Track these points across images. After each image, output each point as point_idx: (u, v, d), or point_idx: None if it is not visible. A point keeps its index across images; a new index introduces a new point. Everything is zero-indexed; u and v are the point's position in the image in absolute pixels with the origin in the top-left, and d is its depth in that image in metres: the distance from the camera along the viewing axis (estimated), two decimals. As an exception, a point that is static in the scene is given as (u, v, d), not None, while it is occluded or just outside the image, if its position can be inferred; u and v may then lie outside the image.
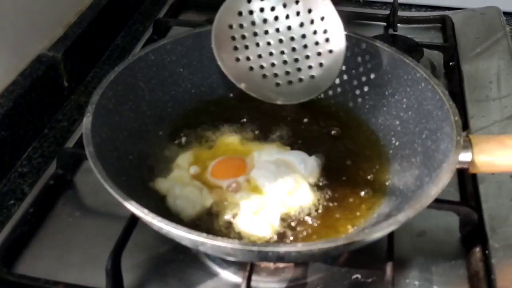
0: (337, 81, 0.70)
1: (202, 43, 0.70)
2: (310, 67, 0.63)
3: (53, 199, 0.68)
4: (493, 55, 0.89)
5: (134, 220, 0.59)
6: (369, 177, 0.63)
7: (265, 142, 0.67)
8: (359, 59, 0.68)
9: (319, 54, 0.63)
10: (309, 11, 0.63)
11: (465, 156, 0.55)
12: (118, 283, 0.57)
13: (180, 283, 0.58)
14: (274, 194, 0.59)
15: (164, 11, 1.03)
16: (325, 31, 0.63)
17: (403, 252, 0.61)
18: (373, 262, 0.60)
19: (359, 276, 0.59)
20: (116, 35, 1.01)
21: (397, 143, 0.64)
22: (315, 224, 0.58)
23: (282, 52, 0.64)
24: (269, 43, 0.64)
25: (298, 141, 0.67)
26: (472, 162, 0.55)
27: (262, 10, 0.64)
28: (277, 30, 0.64)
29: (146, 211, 0.48)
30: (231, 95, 0.73)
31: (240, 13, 0.63)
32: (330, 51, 0.62)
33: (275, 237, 0.57)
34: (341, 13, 0.63)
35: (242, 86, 0.63)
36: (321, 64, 0.63)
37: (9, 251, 0.60)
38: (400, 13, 1.00)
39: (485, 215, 0.64)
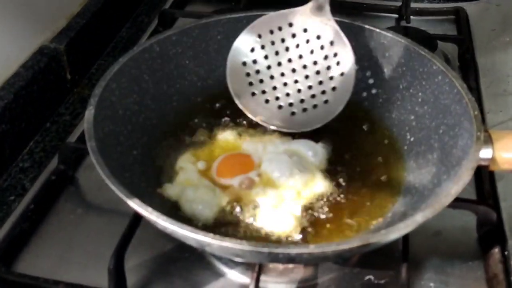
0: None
1: (208, 34, 0.69)
2: (323, 92, 0.63)
3: (55, 195, 0.66)
4: (510, 48, 0.86)
5: (137, 217, 0.57)
6: (383, 175, 0.61)
7: (265, 134, 0.65)
8: (372, 51, 0.66)
9: (331, 78, 0.63)
10: (318, 37, 0.63)
11: (485, 153, 0.52)
12: (121, 283, 0.55)
13: (185, 283, 0.57)
14: (290, 186, 0.57)
15: (170, 2, 1.01)
16: (335, 55, 0.63)
17: (418, 252, 0.59)
18: (386, 262, 0.58)
19: (371, 277, 0.57)
20: (121, 27, 0.99)
21: (412, 139, 0.62)
22: (332, 215, 0.57)
23: (296, 81, 0.64)
24: (282, 74, 0.65)
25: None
26: (493, 159, 0.53)
27: (273, 43, 0.65)
28: (289, 60, 0.65)
29: (150, 209, 0.45)
30: None
31: (252, 49, 0.65)
32: (342, 74, 0.62)
33: (299, 232, 0.55)
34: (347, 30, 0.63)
35: (258, 119, 0.65)
36: (334, 88, 0.63)
37: (8, 249, 0.59)
38: (413, 4, 0.97)
39: (503, 214, 0.61)
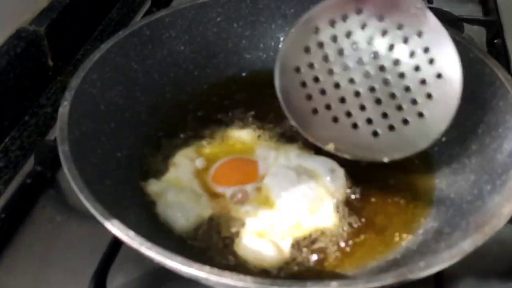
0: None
1: (206, 15, 0.63)
2: (414, 101, 0.49)
3: (31, 201, 0.59)
4: (545, 31, 0.79)
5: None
6: (409, 182, 0.54)
7: (283, 141, 0.57)
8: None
9: (423, 82, 0.49)
10: (400, 26, 0.49)
11: (540, 160, 0.45)
12: (104, 309, 0.48)
13: None
14: (288, 211, 0.50)
15: (165, -20, 0.95)
16: (426, 50, 0.49)
17: (450, 271, 0.50)
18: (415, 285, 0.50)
19: None
20: (111, 7, 0.91)
21: (443, 139, 0.54)
22: (339, 253, 0.48)
23: (372, 89, 0.51)
24: (352, 81, 0.51)
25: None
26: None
27: (335, 38, 0.51)
28: (360, 60, 0.51)
29: (131, 233, 0.38)
30: (243, 74, 0.65)
31: (307, 49, 0.51)
32: (439, 76, 0.49)
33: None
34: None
35: (330, 147, 0.51)
36: (429, 96, 0.49)
37: (-25, 266, 0.53)
38: (435, -17, 0.89)
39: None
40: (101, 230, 0.53)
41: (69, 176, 0.42)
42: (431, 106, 0.50)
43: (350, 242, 0.49)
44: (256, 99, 0.62)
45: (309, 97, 0.52)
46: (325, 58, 0.51)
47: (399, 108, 0.51)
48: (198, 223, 0.50)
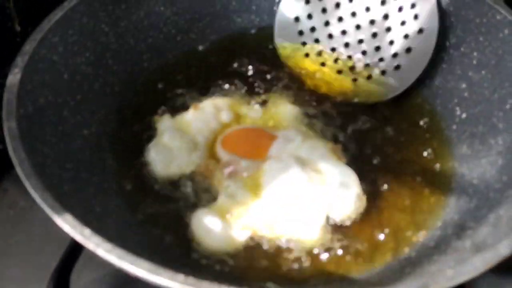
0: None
1: None
2: (395, 55, 0.54)
3: None
4: None
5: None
6: (425, 167, 0.49)
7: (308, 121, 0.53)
8: None
9: (406, 36, 0.53)
10: None
11: None
12: (64, 311, 0.43)
13: None
14: (270, 207, 0.45)
15: None
16: (412, 6, 0.53)
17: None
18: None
19: None
20: None
21: (464, 116, 0.51)
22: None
23: (361, 41, 0.55)
24: (344, 32, 0.56)
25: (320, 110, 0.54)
26: None
27: None
28: (353, 14, 0.56)
29: (87, 232, 0.32)
30: (233, 40, 0.60)
31: (307, 1, 0.57)
32: (420, 31, 0.52)
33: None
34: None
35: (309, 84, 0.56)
36: (408, 50, 0.53)
37: None
38: None
39: None
40: None
41: (13, 158, 0.36)
42: (408, 59, 0.53)
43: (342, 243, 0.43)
44: (248, 67, 0.57)
45: (303, 44, 0.57)
46: (323, 10, 0.57)
47: (381, 60, 0.55)
48: (176, 175, 0.48)
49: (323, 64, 0.56)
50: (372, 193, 0.46)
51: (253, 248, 0.44)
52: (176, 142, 0.50)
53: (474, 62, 0.51)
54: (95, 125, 0.49)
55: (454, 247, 0.38)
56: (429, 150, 0.50)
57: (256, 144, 0.50)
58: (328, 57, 0.57)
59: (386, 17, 0.54)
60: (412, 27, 0.52)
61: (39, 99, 0.44)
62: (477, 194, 0.44)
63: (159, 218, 0.45)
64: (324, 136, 0.51)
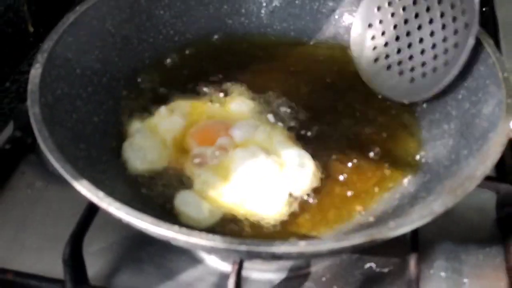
0: (347, 23, 0.63)
1: None
2: (446, 51, 0.54)
3: (10, 167, 0.59)
4: (535, -1, 0.79)
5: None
6: (388, 148, 0.53)
7: (263, 114, 0.57)
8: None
9: (455, 32, 0.54)
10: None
11: (517, 124, 0.45)
12: (80, 273, 0.48)
13: (157, 271, 0.51)
14: (239, 188, 0.49)
15: None
16: (462, 1, 0.54)
17: (427, 235, 0.51)
18: (390, 247, 0.49)
19: (373, 265, 0.51)
20: None
21: (424, 106, 0.55)
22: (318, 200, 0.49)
23: (421, 40, 0.57)
24: (408, 33, 0.58)
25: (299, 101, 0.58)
26: (527, 131, 0.45)
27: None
28: (417, 15, 0.57)
29: (101, 194, 0.37)
30: (225, 40, 0.64)
31: (379, 8, 0.60)
32: (466, 25, 0.53)
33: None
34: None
35: (374, 86, 0.59)
36: (456, 45, 0.54)
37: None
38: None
39: (528, 193, 0.54)
40: (79, 197, 0.53)
41: (38, 137, 0.42)
42: (454, 53, 0.53)
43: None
44: (238, 65, 0.62)
45: (374, 48, 0.60)
46: (392, 15, 0.59)
47: (435, 57, 0.55)
48: (152, 170, 0.51)
49: (388, 67, 0.58)
50: (334, 171, 0.51)
51: (229, 222, 0.48)
52: (147, 141, 0.53)
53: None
54: (103, 114, 0.53)
55: (406, 212, 0.44)
56: (393, 134, 0.55)
57: (219, 135, 0.53)
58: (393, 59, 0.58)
59: (442, 15, 0.55)
60: (460, 23, 0.53)
61: (57, 91, 0.49)
62: (430, 171, 0.49)
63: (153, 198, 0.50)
64: (282, 123, 0.56)
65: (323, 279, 0.50)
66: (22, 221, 0.55)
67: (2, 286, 0.49)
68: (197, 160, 0.51)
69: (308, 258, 0.46)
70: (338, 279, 0.50)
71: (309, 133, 0.55)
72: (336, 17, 0.64)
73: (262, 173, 0.49)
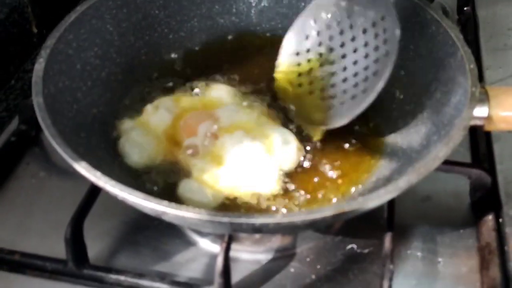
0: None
1: None
2: (365, 79, 0.54)
3: (15, 158, 0.62)
4: (512, -1, 0.80)
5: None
6: (365, 135, 0.56)
7: (253, 99, 0.60)
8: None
9: (376, 61, 0.54)
10: (369, 12, 0.55)
11: (480, 111, 0.48)
12: (81, 253, 0.51)
13: (153, 253, 0.53)
14: (233, 170, 0.52)
15: None
16: (384, 31, 0.54)
17: (405, 219, 0.55)
18: (370, 230, 0.54)
19: (354, 246, 0.54)
20: None
21: (401, 96, 0.58)
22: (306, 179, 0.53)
23: (345, 68, 0.57)
24: (332, 62, 0.57)
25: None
26: (488, 118, 0.48)
27: (328, 27, 0.58)
28: (342, 44, 0.57)
29: (98, 174, 0.41)
30: (217, 38, 0.67)
31: (307, 37, 0.59)
32: (386, 54, 0.53)
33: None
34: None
35: (292, 108, 0.58)
36: (375, 73, 0.54)
37: (-39, 216, 0.55)
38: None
39: (499, 178, 0.57)
40: (81, 185, 0.55)
41: (42, 124, 0.44)
42: (372, 81, 0.54)
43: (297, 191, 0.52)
44: (229, 61, 0.65)
45: (299, 74, 0.59)
46: (319, 44, 0.58)
47: (355, 85, 0.55)
48: (150, 163, 0.53)
49: (310, 93, 0.58)
50: (315, 164, 0.54)
51: (230, 202, 0.51)
52: (143, 138, 0.55)
53: (411, 53, 0.57)
54: (102, 106, 0.56)
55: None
56: (372, 123, 0.57)
57: (205, 123, 0.55)
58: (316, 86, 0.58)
59: (366, 44, 0.55)
60: (381, 52, 0.53)
61: (58, 83, 0.51)
62: (404, 156, 0.52)
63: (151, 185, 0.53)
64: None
65: (308, 259, 0.52)
66: (27, 207, 0.57)
67: (10, 266, 0.52)
68: (189, 151, 0.54)
69: (286, 230, 0.49)
70: (321, 259, 0.52)
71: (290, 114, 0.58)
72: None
73: (251, 154, 0.52)
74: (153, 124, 0.56)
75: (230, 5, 0.67)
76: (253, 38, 0.67)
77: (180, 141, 0.55)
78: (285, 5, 0.67)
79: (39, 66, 0.50)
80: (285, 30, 0.64)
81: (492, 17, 0.79)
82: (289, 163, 0.53)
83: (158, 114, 0.57)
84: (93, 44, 0.57)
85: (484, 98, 0.48)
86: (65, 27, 0.54)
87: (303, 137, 0.56)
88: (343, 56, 0.57)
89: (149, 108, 0.57)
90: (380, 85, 0.52)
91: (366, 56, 0.55)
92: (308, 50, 0.59)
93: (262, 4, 0.68)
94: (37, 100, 0.46)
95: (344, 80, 0.56)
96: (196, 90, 0.61)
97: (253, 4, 0.67)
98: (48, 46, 0.52)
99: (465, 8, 0.82)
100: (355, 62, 0.56)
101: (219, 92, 0.60)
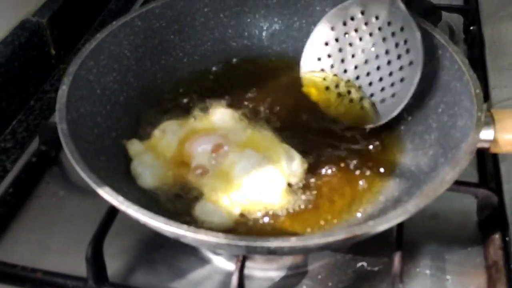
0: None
1: (194, 6, 0.66)
2: (392, 84, 0.59)
3: (36, 178, 0.64)
4: (518, 19, 0.81)
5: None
6: (375, 155, 0.58)
7: (256, 122, 0.62)
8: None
9: (401, 68, 0.58)
10: (389, 23, 0.60)
11: (486, 134, 0.49)
12: (101, 271, 0.52)
13: (169, 270, 0.55)
14: (243, 187, 0.54)
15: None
16: (405, 42, 0.58)
17: (414, 237, 0.56)
18: (380, 248, 0.55)
19: (364, 264, 0.55)
20: None
21: (409, 118, 0.59)
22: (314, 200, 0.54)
23: (368, 74, 0.61)
24: (356, 67, 0.62)
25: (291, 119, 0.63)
26: (494, 141, 0.49)
27: (346, 34, 0.63)
28: (363, 50, 0.62)
29: (121, 199, 0.42)
30: (230, 61, 0.68)
31: (326, 43, 0.63)
32: (410, 63, 0.57)
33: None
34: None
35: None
36: (402, 79, 0.58)
37: (-15, 235, 0.57)
38: (416, -28, 0.91)
39: (506, 197, 0.58)
40: (99, 204, 0.56)
41: (66, 150, 0.46)
42: (401, 87, 0.58)
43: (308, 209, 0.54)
44: (242, 84, 0.66)
45: (324, 79, 0.64)
46: (340, 50, 0.63)
47: (382, 89, 0.60)
48: (163, 184, 0.55)
49: (339, 95, 0.62)
50: (324, 181, 0.56)
51: (244, 221, 0.53)
52: (154, 161, 0.56)
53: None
54: (120, 129, 0.58)
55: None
56: (381, 144, 0.58)
57: (211, 144, 0.56)
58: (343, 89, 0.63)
59: (387, 52, 0.59)
60: (405, 60, 0.58)
61: (80, 109, 0.53)
62: (412, 177, 0.53)
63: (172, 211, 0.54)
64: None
65: (319, 276, 0.53)
66: (48, 226, 0.59)
67: (32, 284, 0.53)
68: (199, 171, 0.55)
69: (299, 252, 0.50)
70: (332, 276, 0.53)
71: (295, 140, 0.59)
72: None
73: (260, 170, 0.53)
74: (161, 148, 0.57)
75: (242, 29, 0.69)
76: (265, 61, 0.69)
77: (189, 162, 0.56)
78: (295, 28, 0.69)
79: (62, 92, 0.51)
80: (295, 53, 0.66)
81: (498, 37, 0.80)
82: (295, 176, 0.55)
83: (165, 138, 0.58)
84: (112, 70, 0.59)
85: (489, 122, 0.49)
86: (86, 54, 0.56)
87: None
88: (366, 62, 0.61)
89: (156, 132, 0.59)
90: (410, 91, 0.56)
91: (389, 63, 0.59)
92: (329, 55, 0.63)
93: (273, 28, 0.69)
94: (61, 127, 0.48)
95: (370, 84, 0.61)
96: (205, 111, 0.63)
97: (265, 28, 0.69)
98: (70, 73, 0.54)
99: (471, 28, 0.83)
100: (378, 68, 0.60)
101: (220, 115, 0.62)
